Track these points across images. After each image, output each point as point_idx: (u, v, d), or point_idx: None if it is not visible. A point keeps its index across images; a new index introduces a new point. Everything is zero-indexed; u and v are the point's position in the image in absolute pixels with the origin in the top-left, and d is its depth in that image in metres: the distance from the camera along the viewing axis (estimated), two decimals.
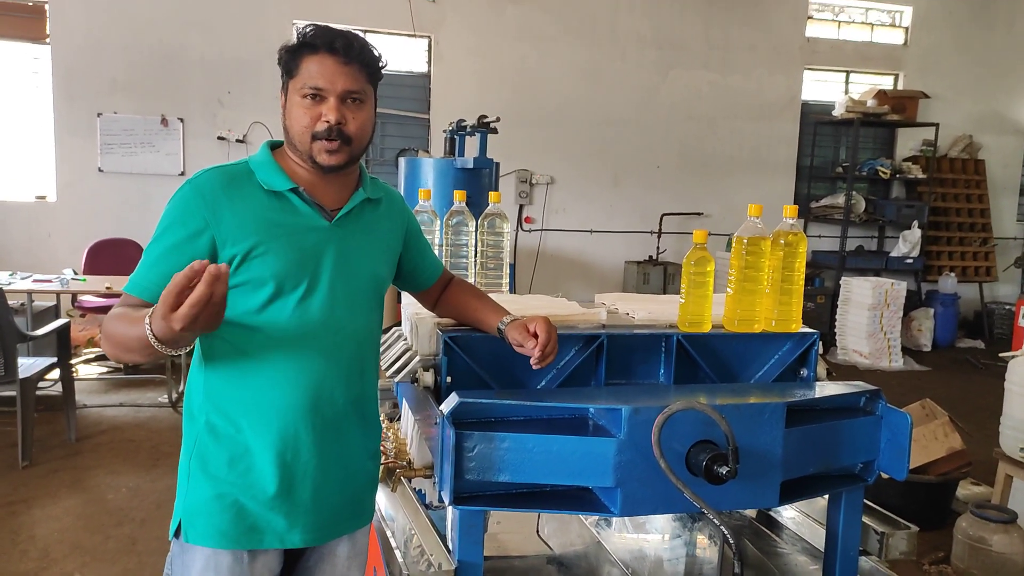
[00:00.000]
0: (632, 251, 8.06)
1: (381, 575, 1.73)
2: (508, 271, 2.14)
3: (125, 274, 1.58)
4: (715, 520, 1.34)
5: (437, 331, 1.70)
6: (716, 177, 8.30)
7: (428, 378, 1.66)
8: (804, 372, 1.86)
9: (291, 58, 1.51)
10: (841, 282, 7.59)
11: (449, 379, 1.66)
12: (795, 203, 7.75)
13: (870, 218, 8.54)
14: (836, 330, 7.59)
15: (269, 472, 1.51)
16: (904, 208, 8.44)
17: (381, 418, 2.11)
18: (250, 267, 1.48)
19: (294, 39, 1.53)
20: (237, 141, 6.94)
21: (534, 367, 1.56)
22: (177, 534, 1.54)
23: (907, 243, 8.24)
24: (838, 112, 8.24)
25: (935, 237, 8.76)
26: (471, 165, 3.80)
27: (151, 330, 1.26)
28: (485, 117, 3.85)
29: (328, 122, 1.48)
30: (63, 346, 4.55)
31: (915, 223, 8.26)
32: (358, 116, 1.52)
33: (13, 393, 4.19)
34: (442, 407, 1.44)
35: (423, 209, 2.10)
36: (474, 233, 2.12)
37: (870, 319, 7.21)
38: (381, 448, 1.94)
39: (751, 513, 2.15)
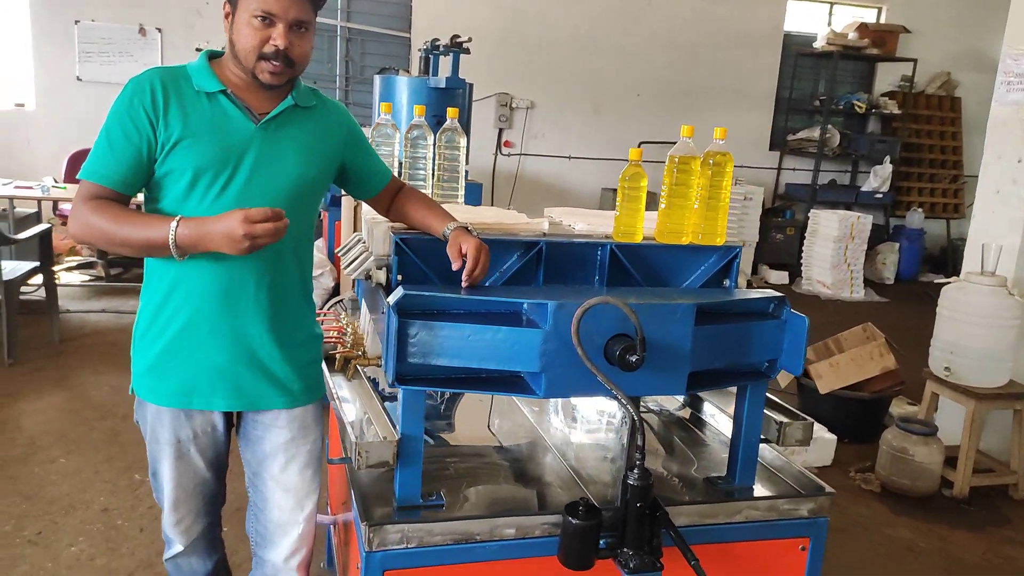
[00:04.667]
0: (609, 178, 8.18)
1: (337, 448, 1.93)
2: (463, 184, 2.29)
3: None
4: (622, 399, 1.54)
5: (390, 234, 1.86)
6: (695, 107, 8.37)
7: (381, 276, 1.83)
8: (727, 283, 2.05)
9: None
10: (810, 214, 7.78)
11: (400, 277, 1.82)
12: (772, 135, 7.81)
13: (844, 152, 8.68)
14: (803, 261, 7.81)
15: (189, 344, 1.75)
16: (877, 143, 8.57)
17: (340, 314, 2.30)
18: (175, 156, 1.66)
19: None
20: None
21: (463, 286, 1.72)
22: (133, 391, 1.85)
23: (878, 178, 8.41)
24: (819, 44, 8.28)
25: (907, 173, 8.93)
26: (443, 85, 3.90)
27: (174, 236, 1.58)
28: (458, 37, 3.93)
29: (276, 47, 1.64)
30: (45, 251, 4.68)
31: (887, 158, 8.41)
32: (302, 43, 1.68)
33: None
34: (388, 299, 1.61)
35: (384, 123, 2.23)
36: (432, 147, 2.26)
37: (835, 251, 7.43)
38: (339, 341, 2.13)
39: (684, 414, 2.38)
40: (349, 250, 2.15)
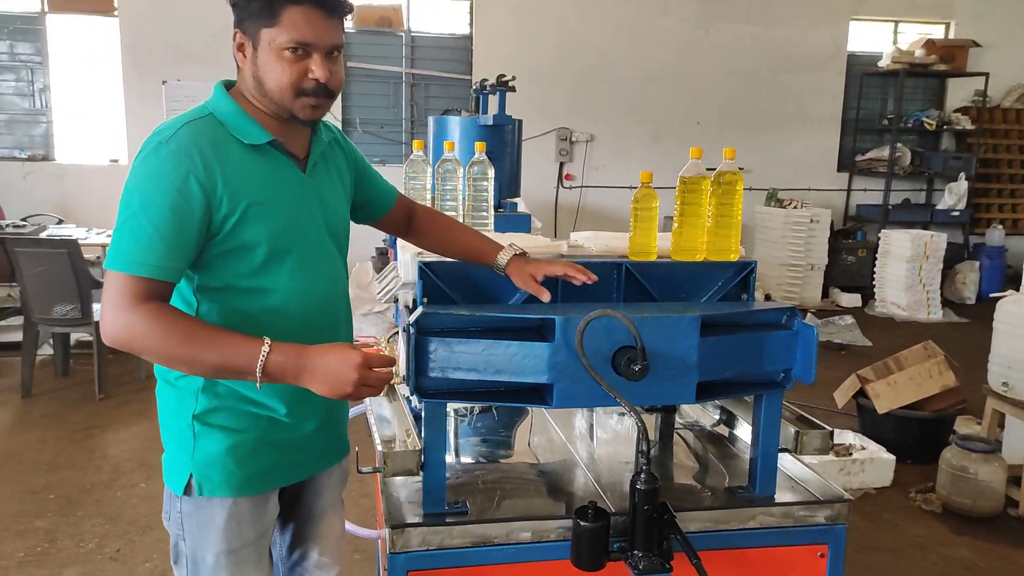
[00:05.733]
0: (671, 207, 8.17)
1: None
2: (492, 213, 2.42)
3: None
4: (625, 406, 1.62)
5: (416, 259, 2.00)
6: (758, 132, 8.34)
7: (408, 299, 1.97)
8: (744, 297, 2.11)
9: (268, 4, 1.42)
10: (880, 235, 7.61)
11: (425, 300, 1.95)
12: (840, 156, 7.74)
13: (916, 171, 8.47)
14: (875, 283, 7.63)
15: (277, 417, 1.59)
16: (951, 160, 8.34)
17: (379, 338, 2.44)
18: (246, 228, 1.45)
19: None
20: None
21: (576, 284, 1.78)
22: (187, 491, 1.54)
23: (953, 195, 8.17)
24: (884, 63, 8.16)
25: (984, 189, 8.64)
26: (491, 122, 4.08)
27: (263, 365, 1.33)
28: (503, 76, 4.13)
29: (316, 79, 1.44)
30: None
31: (962, 175, 8.17)
32: (338, 70, 1.50)
33: (90, 337, 4.71)
34: (410, 317, 1.75)
35: (417, 158, 2.39)
36: (462, 180, 2.40)
37: (908, 271, 7.24)
38: None
39: (723, 431, 2.42)
40: (384, 277, 2.31)
